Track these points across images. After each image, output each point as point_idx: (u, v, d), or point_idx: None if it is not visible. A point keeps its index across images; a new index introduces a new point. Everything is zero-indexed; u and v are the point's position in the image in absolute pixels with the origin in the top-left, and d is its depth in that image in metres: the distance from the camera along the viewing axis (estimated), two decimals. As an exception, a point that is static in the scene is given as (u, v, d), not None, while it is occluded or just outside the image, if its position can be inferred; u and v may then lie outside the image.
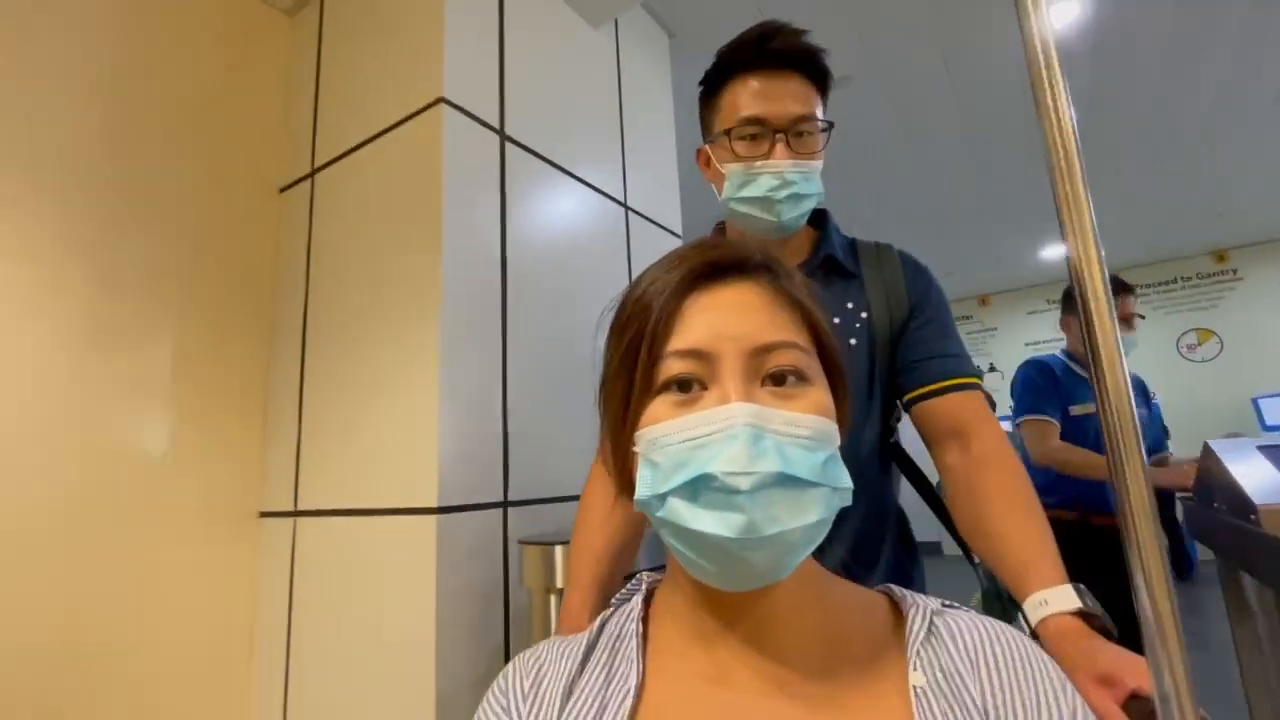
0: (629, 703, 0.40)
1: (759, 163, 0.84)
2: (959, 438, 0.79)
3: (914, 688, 0.38)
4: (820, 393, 0.41)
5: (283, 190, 1.61)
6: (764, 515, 0.35)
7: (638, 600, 0.48)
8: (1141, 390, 1.89)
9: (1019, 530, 0.67)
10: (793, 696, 0.39)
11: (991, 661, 0.39)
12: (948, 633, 0.41)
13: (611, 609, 0.49)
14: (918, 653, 0.40)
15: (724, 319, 0.40)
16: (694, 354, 0.39)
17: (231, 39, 1.59)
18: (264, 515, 1.46)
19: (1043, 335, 6.15)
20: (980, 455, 0.76)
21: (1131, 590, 0.28)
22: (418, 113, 1.31)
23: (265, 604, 1.42)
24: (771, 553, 0.37)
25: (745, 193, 0.85)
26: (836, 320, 0.89)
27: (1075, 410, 1.71)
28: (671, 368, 0.40)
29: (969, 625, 0.42)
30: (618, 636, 0.45)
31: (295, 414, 1.44)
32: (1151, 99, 3.14)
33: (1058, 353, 1.94)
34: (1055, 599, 0.58)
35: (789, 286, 0.43)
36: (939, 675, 0.39)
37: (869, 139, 3.38)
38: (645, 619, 0.46)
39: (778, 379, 0.39)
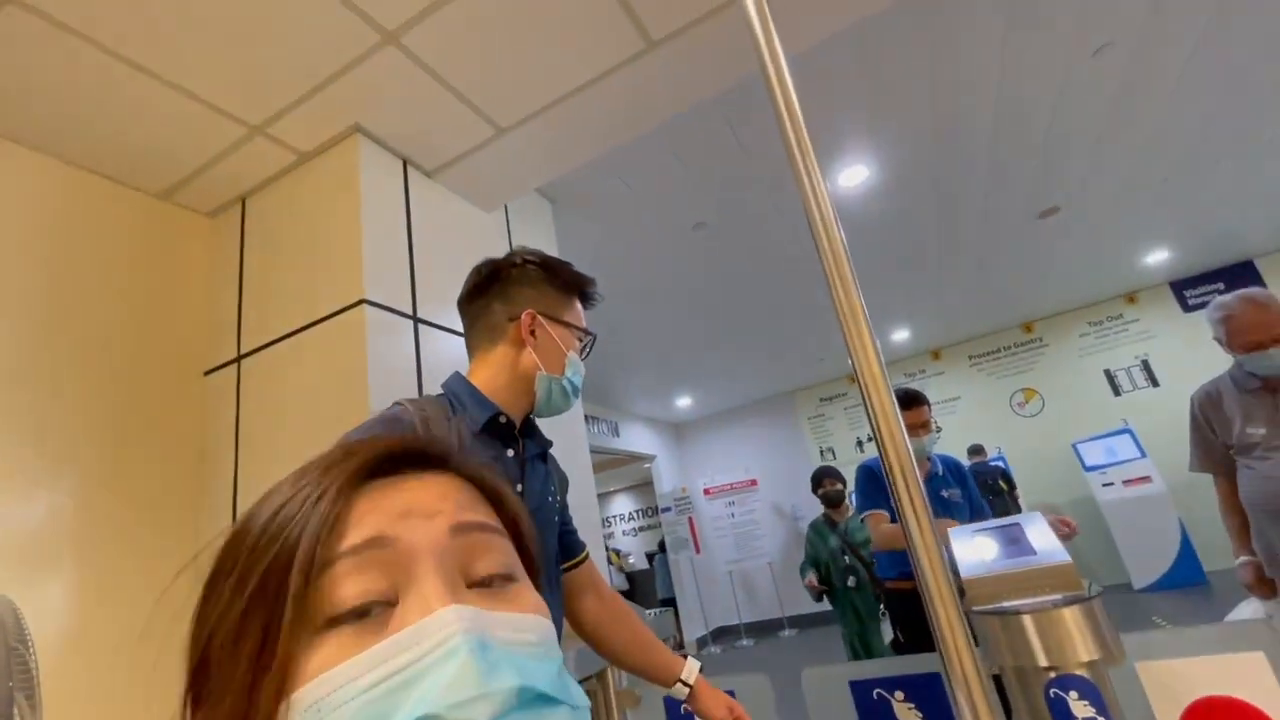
0: None
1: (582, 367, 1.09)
2: (593, 587, 1.14)
3: None
4: (533, 593, 0.34)
5: (207, 373, 1.77)
6: None
7: None
8: (957, 472, 2.30)
9: (649, 642, 1.11)
10: None
11: None
12: None
13: None
14: None
15: (407, 500, 0.32)
16: (374, 545, 0.29)
17: (156, 239, 1.79)
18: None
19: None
20: (610, 597, 1.15)
21: (937, 646, 0.40)
22: (341, 311, 1.56)
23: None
24: None
25: (577, 379, 1.05)
26: (550, 499, 1.06)
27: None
28: (344, 582, 0.28)
29: None
30: None
31: (227, 584, 1.54)
32: (941, 224, 3.96)
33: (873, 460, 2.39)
34: (693, 669, 1.08)
35: (481, 475, 0.36)
36: None
37: (720, 271, 3.96)
38: None
39: (484, 582, 0.31)
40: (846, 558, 3.15)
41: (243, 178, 1.81)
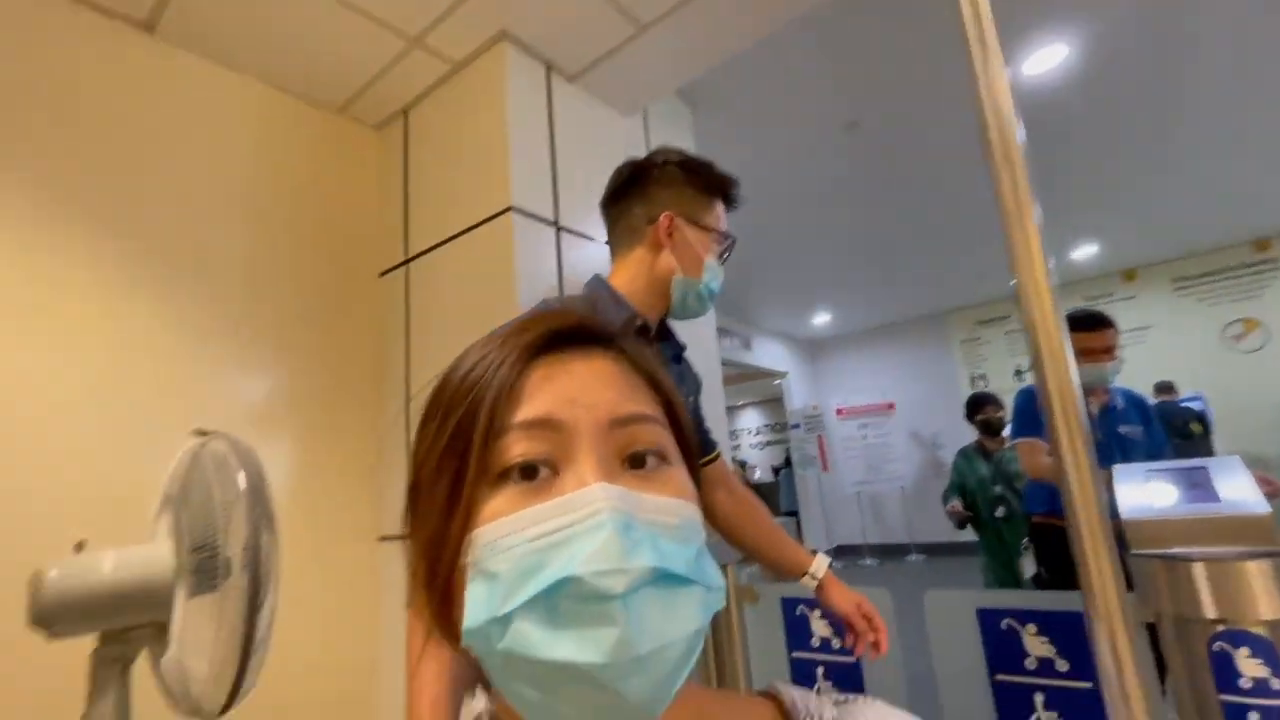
0: None
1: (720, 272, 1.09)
2: (724, 486, 1.18)
3: None
4: (683, 475, 0.36)
5: (382, 275, 2.00)
6: (638, 628, 0.28)
7: None
8: (1140, 408, 2.06)
9: (779, 537, 1.17)
10: None
11: None
12: None
13: None
14: None
15: (575, 386, 0.34)
16: (542, 425, 0.32)
17: (334, 151, 1.99)
18: (383, 540, 1.84)
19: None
20: (740, 493, 1.17)
21: (1081, 584, 0.35)
22: (491, 218, 1.66)
23: (385, 620, 1.78)
24: (649, 679, 0.29)
25: (715, 287, 1.05)
26: (684, 399, 1.18)
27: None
28: (512, 447, 0.32)
29: (865, 714, 0.39)
30: None
31: (403, 455, 1.81)
32: (1168, 98, 3.27)
33: None
34: (822, 564, 1.11)
35: (641, 358, 0.38)
36: None
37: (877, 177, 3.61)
38: None
39: (637, 461, 0.34)
40: (997, 488, 2.98)
41: (404, 90, 1.93)
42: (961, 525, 3.20)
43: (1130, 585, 0.97)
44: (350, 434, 1.84)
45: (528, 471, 0.32)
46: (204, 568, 0.78)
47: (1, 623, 1.12)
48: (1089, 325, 1.95)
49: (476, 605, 0.30)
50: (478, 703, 0.39)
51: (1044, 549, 2.10)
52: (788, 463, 8.01)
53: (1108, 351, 1.93)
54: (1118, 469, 1.09)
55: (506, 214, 1.62)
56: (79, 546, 0.77)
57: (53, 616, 0.70)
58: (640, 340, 0.40)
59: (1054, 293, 0.43)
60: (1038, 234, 0.42)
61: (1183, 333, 5.78)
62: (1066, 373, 0.42)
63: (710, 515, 1.18)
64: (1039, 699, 1.15)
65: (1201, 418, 4.83)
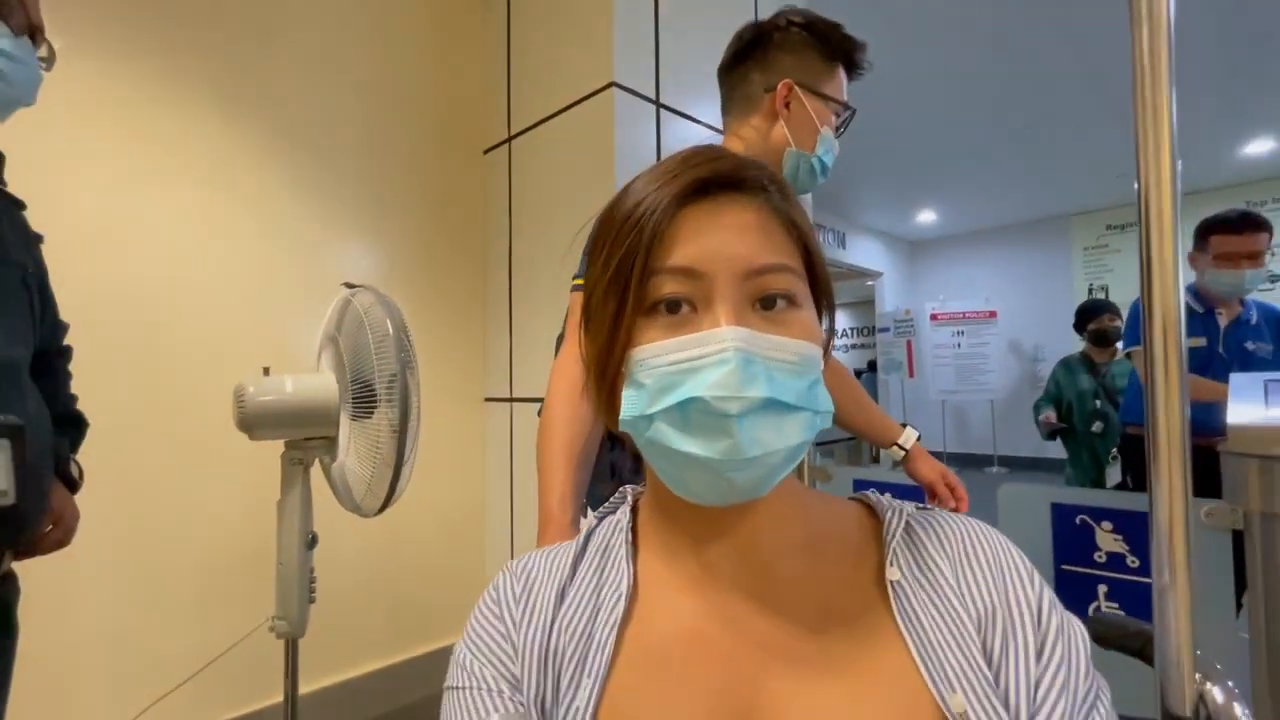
0: (622, 605, 0.42)
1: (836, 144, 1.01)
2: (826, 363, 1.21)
3: (891, 583, 0.40)
4: (809, 317, 0.41)
5: (486, 152, 2.06)
6: (749, 438, 0.36)
7: (625, 511, 0.49)
8: (1274, 323, 1.86)
9: (870, 406, 1.17)
10: (778, 596, 0.41)
11: (968, 552, 0.42)
12: (924, 531, 0.43)
13: (597, 520, 0.50)
14: (895, 551, 0.42)
15: (718, 239, 0.39)
16: (686, 272, 0.38)
17: (436, 26, 2.00)
18: (488, 400, 2.04)
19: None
20: (834, 365, 1.17)
21: (1150, 498, 0.34)
22: (593, 94, 1.66)
23: (491, 470, 2.02)
24: (755, 473, 0.37)
25: (828, 159, 0.99)
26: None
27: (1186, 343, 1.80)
28: (662, 287, 0.38)
29: (945, 522, 0.44)
30: (606, 546, 0.47)
31: (507, 324, 1.96)
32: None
33: (1185, 286, 1.97)
34: (910, 435, 1.11)
35: (784, 206, 0.42)
36: (916, 570, 0.41)
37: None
38: (633, 529, 0.48)
39: (768, 303, 0.39)
40: (1098, 401, 2.85)
41: (508, -44, 1.89)
42: (1052, 437, 3.10)
43: (1219, 493, 0.97)
44: (458, 302, 2.01)
45: (672, 307, 0.39)
46: (361, 396, 0.94)
47: (210, 424, 1.39)
48: (1233, 227, 1.76)
49: (630, 405, 0.39)
50: (619, 515, 0.49)
51: (1131, 459, 2.04)
52: (871, 367, 7.84)
53: (1252, 258, 1.74)
54: (1235, 377, 1.05)
55: (608, 90, 1.62)
56: (266, 371, 0.94)
57: (253, 422, 0.88)
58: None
59: (1175, 192, 0.41)
60: (1170, 124, 0.39)
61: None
62: (1171, 275, 0.40)
63: None
64: (1102, 590, 1.19)
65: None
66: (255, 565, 1.43)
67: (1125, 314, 2.31)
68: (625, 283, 0.39)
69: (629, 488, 0.51)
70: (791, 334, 0.39)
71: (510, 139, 1.96)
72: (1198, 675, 0.37)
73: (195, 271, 1.51)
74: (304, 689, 1.53)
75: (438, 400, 1.93)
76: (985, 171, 5.33)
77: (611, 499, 0.52)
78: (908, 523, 0.44)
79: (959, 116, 4.15)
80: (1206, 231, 1.82)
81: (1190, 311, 1.88)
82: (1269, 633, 0.87)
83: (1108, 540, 1.18)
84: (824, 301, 0.44)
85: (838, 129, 1.01)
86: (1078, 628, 0.39)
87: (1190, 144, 4.61)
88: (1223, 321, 1.87)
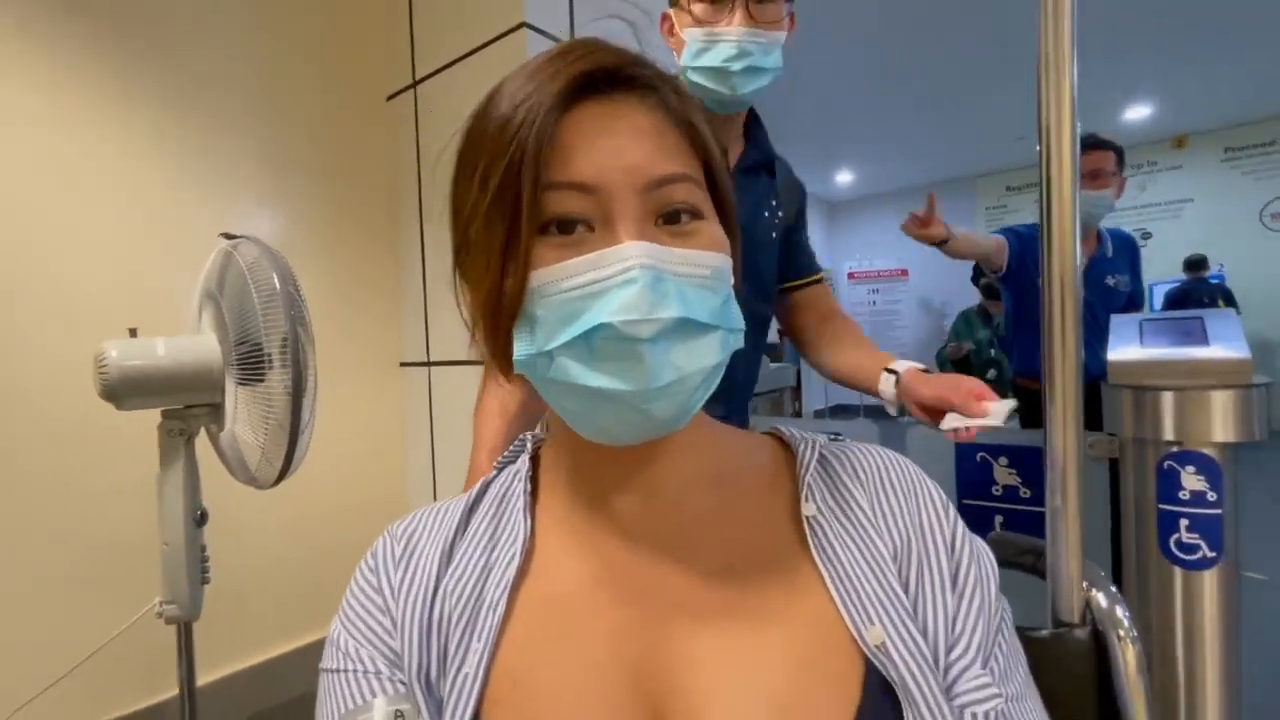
0: (517, 561, 0.38)
1: (718, 28, 0.81)
2: (830, 316, 1.08)
3: (806, 518, 0.39)
4: (716, 229, 0.38)
5: (389, 98, 1.91)
6: (662, 363, 0.33)
7: (524, 459, 0.45)
8: (1127, 252, 1.99)
9: (868, 352, 1.00)
10: (687, 536, 0.39)
11: (882, 481, 0.41)
12: (837, 462, 0.42)
13: (496, 469, 0.46)
14: (809, 485, 0.40)
15: (611, 146, 0.34)
16: (579, 188, 0.34)
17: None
18: (403, 365, 1.94)
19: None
20: (844, 323, 1.07)
21: (1045, 431, 0.34)
22: (503, 35, 1.56)
23: (410, 436, 1.93)
24: (672, 401, 0.34)
25: (701, 61, 0.82)
26: (765, 214, 0.96)
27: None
28: (552, 205, 0.34)
29: (859, 452, 0.43)
30: (502, 497, 0.43)
31: (420, 284, 1.86)
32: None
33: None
34: (905, 365, 0.89)
35: (679, 105, 0.38)
36: (830, 501, 0.40)
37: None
38: (534, 478, 0.44)
39: (671, 217, 0.35)
40: (993, 351, 3.06)
41: (404, -123, 1.72)
42: (953, 368, 3.30)
43: (1099, 426, 1.05)
44: (368, 261, 1.88)
45: (565, 226, 0.34)
46: (248, 359, 0.85)
47: (76, 396, 1.25)
48: (1093, 144, 1.77)
49: (524, 342, 0.35)
50: (519, 464, 0.45)
51: (1024, 411, 2.20)
52: (794, 325, 8.10)
53: (1091, 176, 1.75)
54: (1115, 319, 1.13)
55: (520, 30, 1.52)
56: (132, 332, 0.83)
57: (119, 390, 0.78)
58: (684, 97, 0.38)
59: (1075, 152, 0.43)
60: (1072, 86, 0.41)
61: (1223, 206, 5.53)
62: (1070, 239, 0.43)
63: (795, 338, 1.11)
64: (998, 520, 1.28)
65: (1228, 295, 4.78)
66: (141, 549, 1.32)
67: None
68: (513, 199, 0.33)
69: (529, 433, 0.47)
70: (699, 246, 0.35)
71: (415, 84, 1.83)
72: (1084, 583, 0.39)
73: (46, 231, 1.32)
74: (206, 678, 1.44)
75: (349, 368, 1.82)
76: (896, 136, 5.51)
77: (512, 446, 0.48)
78: (821, 454, 0.42)
79: (870, 84, 4.25)
80: None
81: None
82: (1139, 543, 0.96)
83: (1003, 475, 1.26)
84: (726, 213, 0.39)
85: (695, 3, 0.82)
86: (987, 555, 0.39)
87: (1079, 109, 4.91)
88: (1081, 260, 2.00)
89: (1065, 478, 0.34)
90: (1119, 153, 1.84)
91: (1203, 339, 0.92)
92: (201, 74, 1.55)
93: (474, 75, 1.65)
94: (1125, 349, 1.00)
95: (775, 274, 1.01)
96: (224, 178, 1.60)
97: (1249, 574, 1.54)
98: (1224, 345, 0.89)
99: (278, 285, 0.83)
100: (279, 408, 0.83)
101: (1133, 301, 1.98)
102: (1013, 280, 1.98)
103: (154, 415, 0.85)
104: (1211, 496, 0.75)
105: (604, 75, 0.35)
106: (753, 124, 0.96)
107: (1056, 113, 0.37)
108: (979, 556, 0.39)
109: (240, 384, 0.86)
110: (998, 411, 0.71)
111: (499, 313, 0.35)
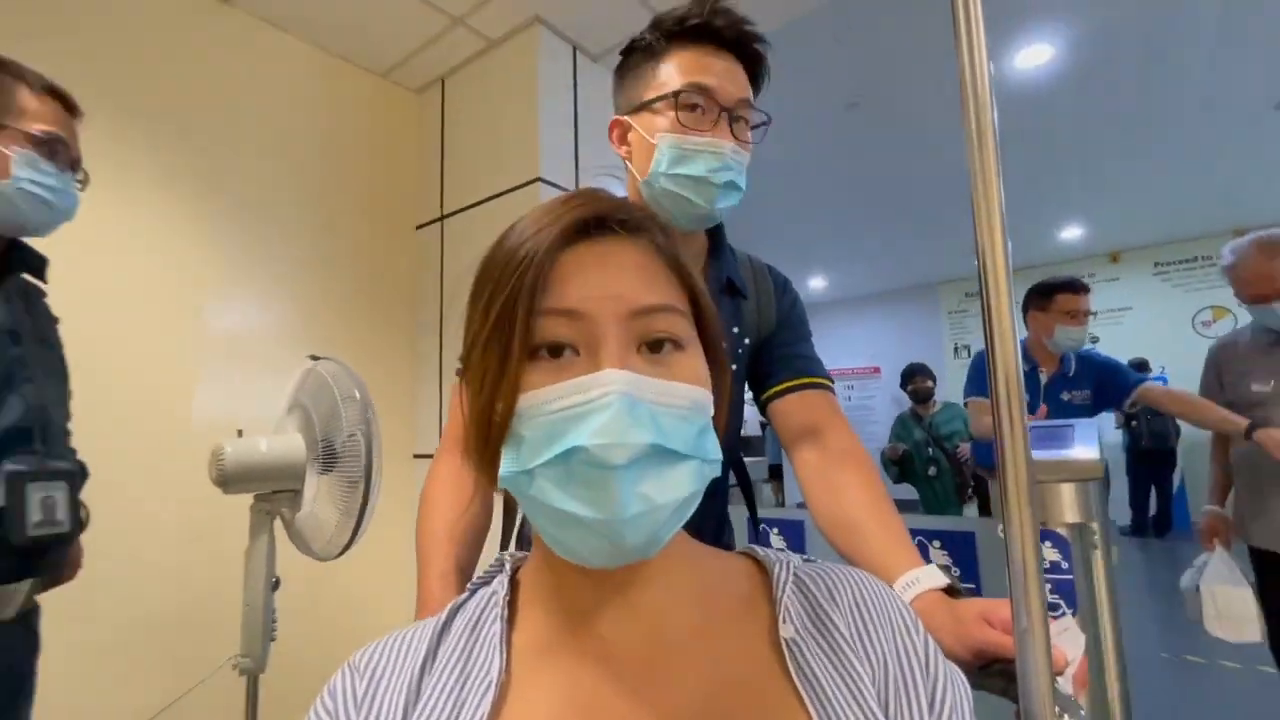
0: (491, 696, 0.36)
1: (703, 138, 0.75)
2: (815, 434, 0.84)
3: (785, 640, 0.38)
4: (697, 361, 0.39)
5: (418, 228, 2.25)
6: (631, 493, 0.34)
7: (501, 580, 0.44)
8: (1090, 373, 2.18)
9: (879, 521, 0.72)
10: (669, 664, 0.38)
11: (857, 605, 0.41)
12: (813, 583, 0.42)
13: (467, 593, 0.45)
14: (786, 606, 0.40)
15: (601, 278, 0.37)
16: (568, 314, 0.36)
17: (378, 110, 2.21)
18: (416, 457, 2.16)
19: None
20: (838, 451, 0.82)
21: (1007, 548, 0.33)
22: (521, 185, 1.91)
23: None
24: (642, 531, 0.35)
25: (680, 169, 0.75)
26: (725, 344, 0.84)
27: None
28: (543, 329, 0.36)
29: (833, 574, 0.43)
30: (476, 621, 0.42)
31: (437, 384, 2.11)
32: (1150, 93, 3.47)
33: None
34: (925, 578, 0.62)
35: (668, 246, 0.41)
36: (808, 623, 0.40)
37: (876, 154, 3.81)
38: (511, 601, 0.43)
39: (654, 346, 0.37)
40: (930, 449, 3.34)
41: (443, 61, 2.14)
42: (898, 468, 3.47)
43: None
44: (389, 364, 2.14)
45: (555, 351, 0.37)
46: (327, 453, 1.09)
47: (190, 484, 1.46)
48: (1075, 288, 2.09)
49: (509, 459, 0.37)
50: (495, 585, 0.44)
51: (984, 495, 2.44)
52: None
53: (1088, 314, 2.09)
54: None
55: (535, 184, 1.87)
56: (239, 433, 1.07)
57: (230, 479, 1.01)
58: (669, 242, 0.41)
59: (1008, 271, 0.40)
60: (1000, 214, 0.39)
61: (1158, 315, 6.08)
62: (1012, 348, 0.39)
63: (796, 475, 0.87)
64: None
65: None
66: (200, 609, 1.48)
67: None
68: (509, 328, 0.37)
69: (508, 553, 0.47)
70: (679, 377, 0.37)
71: (443, 218, 2.17)
72: (1056, 709, 0.36)
73: (141, 353, 1.58)
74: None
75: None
76: (864, 247, 6.07)
77: (488, 567, 0.47)
78: (796, 575, 0.43)
79: (842, 200, 4.78)
80: (1052, 292, 2.11)
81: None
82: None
83: (938, 556, 1.49)
84: (712, 348, 0.42)
85: (678, 112, 0.75)
86: (959, 676, 0.40)
87: (1016, 228, 5.51)
88: (1043, 377, 2.28)
89: (1029, 597, 0.32)
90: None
91: (1069, 443, 1.20)
92: (265, 211, 1.88)
93: (494, 216, 1.99)
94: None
95: (740, 401, 0.93)
96: (259, 297, 1.89)
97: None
98: (1083, 448, 1.16)
99: (357, 394, 1.08)
100: (352, 491, 1.06)
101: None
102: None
103: (202, 495, 1.07)
104: (1064, 565, 0.99)
105: (599, 219, 0.39)
106: (716, 244, 0.89)
107: (989, 234, 0.37)
108: (953, 680, 0.39)
109: (321, 473, 1.09)
110: (1071, 632, 0.55)
111: (489, 432, 0.38)
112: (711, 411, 0.40)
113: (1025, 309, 2.34)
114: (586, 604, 0.40)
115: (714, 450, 0.39)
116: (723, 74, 0.76)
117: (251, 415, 1.47)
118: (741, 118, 0.78)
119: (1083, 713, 0.44)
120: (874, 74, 3.01)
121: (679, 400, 0.37)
